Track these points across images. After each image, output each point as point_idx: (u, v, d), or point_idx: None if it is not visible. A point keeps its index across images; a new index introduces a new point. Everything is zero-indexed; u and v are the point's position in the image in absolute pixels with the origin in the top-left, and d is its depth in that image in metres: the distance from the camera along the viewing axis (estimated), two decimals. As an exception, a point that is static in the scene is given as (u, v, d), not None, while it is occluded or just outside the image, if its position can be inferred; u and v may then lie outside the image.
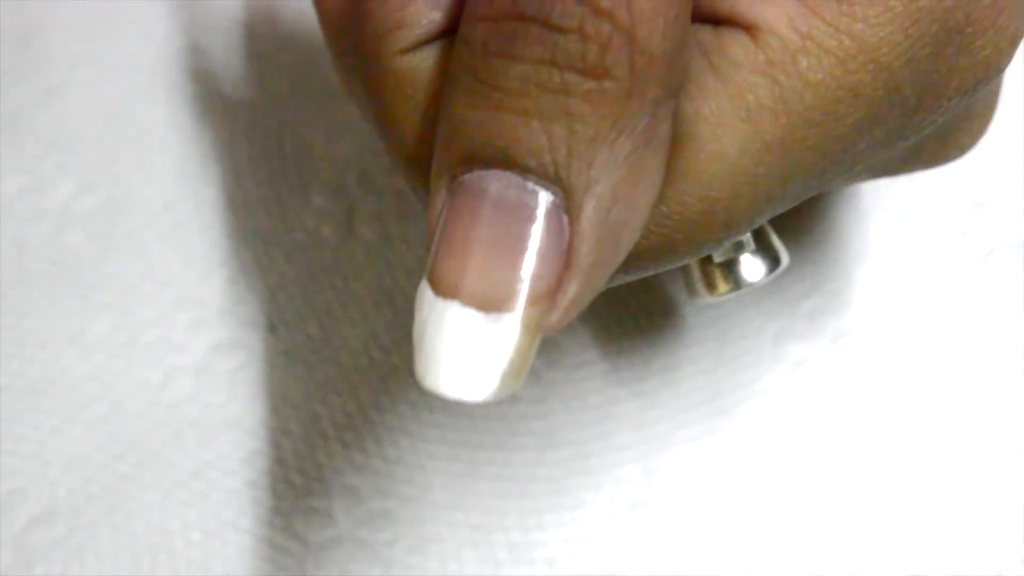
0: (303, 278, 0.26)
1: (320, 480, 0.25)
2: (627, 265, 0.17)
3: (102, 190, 0.27)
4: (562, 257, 0.15)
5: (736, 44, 0.15)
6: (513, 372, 0.15)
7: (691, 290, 0.22)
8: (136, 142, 0.27)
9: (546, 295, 0.15)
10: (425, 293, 0.15)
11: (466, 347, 0.14)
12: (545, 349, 0.26)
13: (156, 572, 0.24)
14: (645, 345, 0.26)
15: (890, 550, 0.24)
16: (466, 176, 0.15)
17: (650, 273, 0.17)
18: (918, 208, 0.27)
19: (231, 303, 0.26)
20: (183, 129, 0.28)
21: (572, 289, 0.15)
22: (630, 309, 0.26)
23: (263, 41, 0.28)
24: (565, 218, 0.15)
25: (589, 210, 0.15)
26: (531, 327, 0.15)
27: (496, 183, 0.15)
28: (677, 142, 0.15)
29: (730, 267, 0.21)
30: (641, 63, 0.14)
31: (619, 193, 0.15)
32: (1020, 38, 0.17)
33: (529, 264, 0.14)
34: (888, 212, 0.27)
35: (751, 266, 0.21)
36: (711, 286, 0.22)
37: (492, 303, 0.14)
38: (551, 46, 0.14)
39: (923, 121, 0.17)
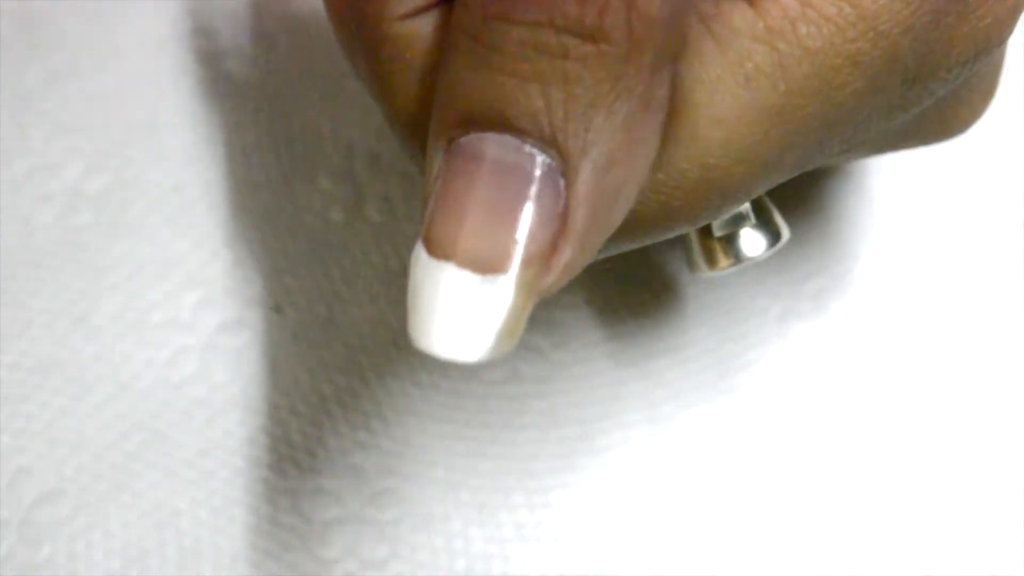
0: (310, 259, 0.26)
1: (326, 459, 0.25)
2: (626, 233, 0.17)
3: (110, 172, 0.27)
4: (558, 219, 0.15)
5: (736, 11, 0.16)
6: (507, 333, 0.15)
7: (691, 265, 0.22)
8: (144, 124, 0.28)
9: (541, 257, 0.15)
10: (420, 255, 0.15)
11: (460, 308, 0.15)
12: (551, 329, 0.26)
13: (163, 550, 0.24)
14: (650, 325, 0.26)
15: (893, 530, 0.24)
16: (463, 139, 0.15)
17: (649, 242, 0.17)
18: (924, 190, 0.27)
19: (238, 283, 0.26)
20: (191, 111, 0.28)
21: (567, 252, 0.15)
22: (636, 289, 0.26)
23: (271, 23, 0.28)
24: (561, 181, 0.15)
25: (585, 173, 0.15)
26: (526, 289, 0.15)
27: (493, 146, 0.15)
28: (675, 108, 0.16)
29: (730, 241, 0.21)
30: (639, 27, 0.14)
31: (616, 157, 0.15)
32: (1020, 8, 0.17)
33: (525, 226, 0.15)
34: (894, 193, 0.27)
35: (751, 240, 0.21)
36: (711, 261, 0.22)
37: (487, 264, 0.14)
38: (549, 8, 0.14)
39: (923, 91, 0.17)
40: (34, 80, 0.28)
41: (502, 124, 0.15)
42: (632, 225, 0.16)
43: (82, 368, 0.26)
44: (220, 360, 0.26)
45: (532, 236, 0.15)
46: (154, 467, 0.25)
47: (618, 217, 0.16)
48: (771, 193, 0.22)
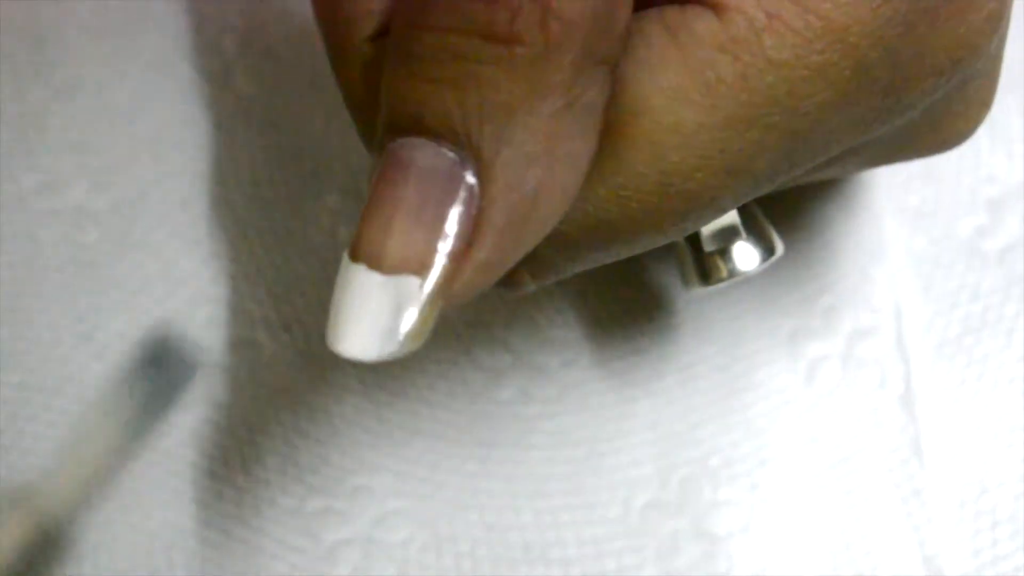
0: (317, 277, 0.26)
1: (334, 479, 0.25)
2: (593, 239, 0.17)
3: (117, 188, 0.27)
4: (472, 222, 0.15)
5: (701, 21, 0.16)
6: (413, 335, 0.15)
7: (685, 281, 0.22)
8: (151, 140, 0.27)
9: (453, 259, 0.15)
10: (343, 259, 0.15)
11: (367, 309, 0.15)
12: (559, 348, 0.26)
13: (172, 571, 0.24)
14: (659, 344, 0.26)
15: (902, 550, 0.24)
16: (391, 145, 0.15)
17: (618, 253, 0.18)
18: (933, 205, 0.27)
19: (245, 301, 0.26)
20: (197, 128, 0.28)
21: (480, 254, 0.15)
22: (645, 308, 0.26)
23: (278, 40, 0.28)
24: (476, 184, 0.15)
25: (498, 175, 0.15)
26: (435, 291, 0.15)
27: (413, 151, 0.15)
28: (633, 113, 0.16)
29: (723, 256, 0.21)
30: (557, 29, 0.14)
31: (535, 158, 0.15)
32: (998, 17, 0.17)
33: (436, 228, 0.15)
34: (903, 209, 0.27)
35: (744, 254, 0.21)
36: (704, 276, 0.22)
37: (396, 267, 0.15)
38: (460, 14, 0.14)
39: (900, 102, 0.17)
40: (40, 97, 0.28)
41: (420, 129, 0.15)
42: (595, 231, 0.17)
43: (89, 387, 0.26)
44: (228, 379, 0.26)
45: (443, 238, 0.15)
46: (162, 487, 0.25)
47: (543, 219, 0.16)
48: (768, 208, 0.22)
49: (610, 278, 0.26)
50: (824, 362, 0.26)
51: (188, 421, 0.25)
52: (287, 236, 0.27)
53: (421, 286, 0.15)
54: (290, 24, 0.28)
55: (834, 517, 0.24)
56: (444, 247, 0.15)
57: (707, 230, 0.21)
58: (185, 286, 0.26)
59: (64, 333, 0.26)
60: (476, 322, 0.26)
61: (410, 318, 0.15)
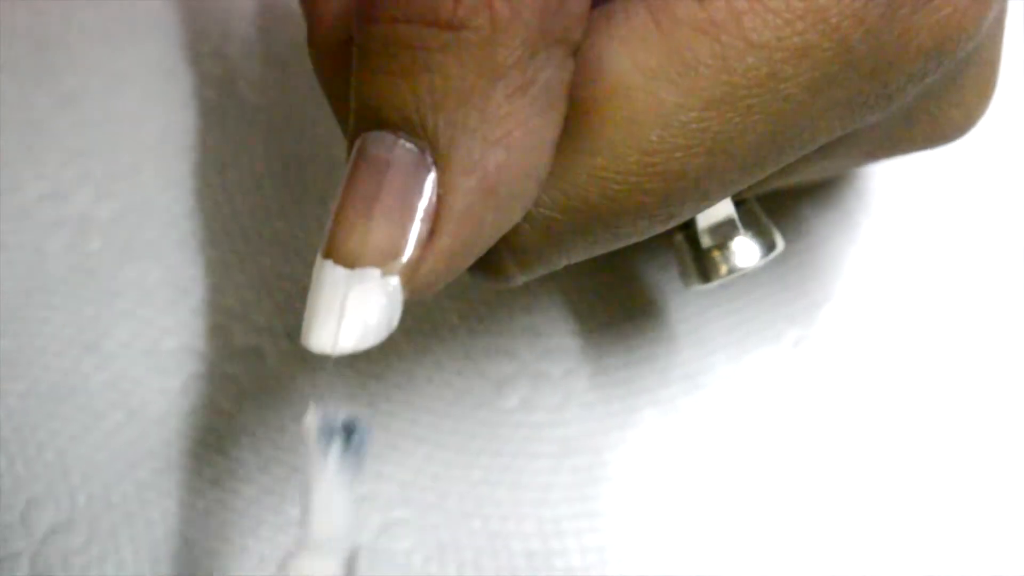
0: (321, 285, 0.26)
1: (338, 488, 0.25)
2: (573, 227, 0.17)
3: (121, 197, 0.27)
4: (432, 210, 0.15)
5: (681, 3, 0.16)
6: (376, 327, 0.15)
7: (685, 279, 0.22)
8: (155, 148, 0.27)
9: (416, 249, 0.15)
10: (316, 256, 0.16)
11: (334, 304, 0.15)
12: (562, 356, 0.26)
13: (175, 580, 0.24)
14: (664, 352, 0.26)
15: (903, 553, 0.24)
16: (357, 141, 0.16)
17: (605, 241, 0.17)
18: (939, 214, 0.27)
19: (250, 310, 0.26)
20: (202, 135, 0.28)
21: (442, 242, 0.15)
22: (650, 316, 0.26)
23: (282, 47, 0.28)
24: (435, 171, 0.15)
25: (454, 161, 0.15)
26: (398, 283, 0.15)
27: (376, 146, 0.15)
28: (612, 93, 0.16)
29: (722, 252, 0.21)
30: (504, 11, 0.14)
31: (491, 143, 0.15)
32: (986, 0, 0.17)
33: (401, 222, 0.15)
34: (908, 218, 0.27)
35: (745, 250, 0.21)
36: (704, 273, 0.21)
37: (360, 261, 0.15)
38: (406, 3, 0.15)
39: (887, 87, 0.17)
40: (45, 105, 0.28)
41: (378, 122, 0.15)
42: (579, 215, 0.17)
43: (93, 396, 0.26)
44: (232, 387, 0.26)
45: (408, 230, 0.15)
46: (167, 496, 0.25)
47: (508, 202, 0.16)
48: (772, 212, 0.22)
49: (613, 285, 0.26)
50: (829, 370, 0.25)
51: (192, 430, 0.25)
52: (291, 244, 0.27)
53: (386, 278, 0.15)
54: (294, 31, 0.28)
55: (841, 524, 0.24)
56: (408, 239, 0.15)
57: (703, 224, 0.21)
58: (189, 294, 0.26)
59: (68, 342, 0.26)
60: (480, 331, 0.26)
61: (374, 310, 0.15)
